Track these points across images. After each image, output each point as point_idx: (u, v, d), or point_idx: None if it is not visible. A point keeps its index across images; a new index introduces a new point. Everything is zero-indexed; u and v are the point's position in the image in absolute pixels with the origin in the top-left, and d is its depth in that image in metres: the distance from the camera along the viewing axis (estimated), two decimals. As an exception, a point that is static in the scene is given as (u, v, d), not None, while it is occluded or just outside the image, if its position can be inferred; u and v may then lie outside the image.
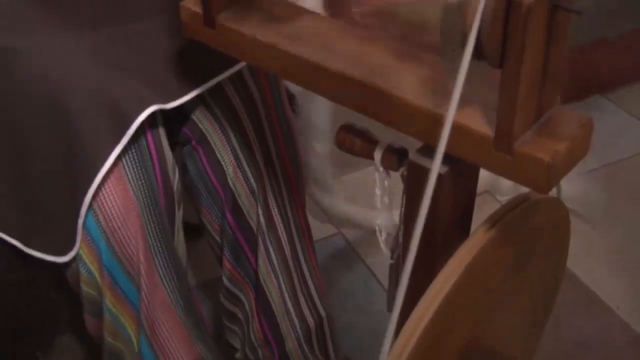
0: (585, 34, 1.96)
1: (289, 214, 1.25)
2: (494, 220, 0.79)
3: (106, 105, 0.98)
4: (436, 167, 0.71)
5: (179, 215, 1.12)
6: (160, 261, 1.08)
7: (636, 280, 1.73)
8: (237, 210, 1.19)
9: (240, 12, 0.93)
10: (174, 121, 1.13)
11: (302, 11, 0.93)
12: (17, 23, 1.03)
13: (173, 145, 1.14)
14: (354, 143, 0.91)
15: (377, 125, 0.85)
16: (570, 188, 1.73)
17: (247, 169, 1.18)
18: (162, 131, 1.06)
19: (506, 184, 1.80)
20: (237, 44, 0.92)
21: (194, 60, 1.03)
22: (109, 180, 1.01)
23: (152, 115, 1.01)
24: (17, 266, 1.12)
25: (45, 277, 1.19)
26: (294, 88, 1.58)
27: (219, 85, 1.11)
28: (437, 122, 0.75)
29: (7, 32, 1.02)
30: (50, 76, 0.99)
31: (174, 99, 1.03)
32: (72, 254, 1.05)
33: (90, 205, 1.01)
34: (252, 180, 1.19)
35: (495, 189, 1.84)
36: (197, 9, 0.93)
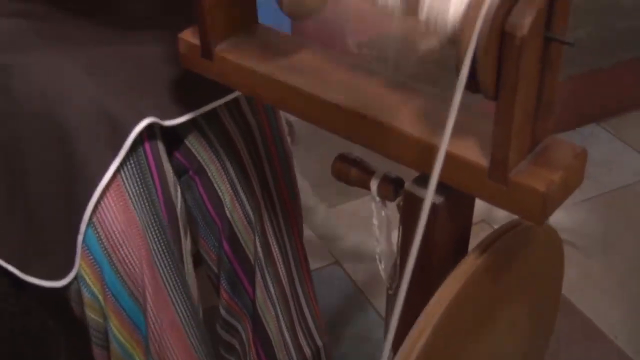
0: (580, 63, 1.98)
1: (287, 243, 1.26)
2: (484, 247, 0.80)
3: (103, 119, 0.99)
4: (429, 196, 0.71)
5: (186, 243, 1.12)
6: (168, 278, 1.07)
7: (634, 309, 1.74)
8: (234, 240, 1.20)
9: (238, 44, 0.94)
10: (170, 151, 1.14)
11: (299, 43, 0.94)
12: (16, 41, 1.04)
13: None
14: (350, 173, 0.92)
15: (371, 152, 0.85)
16: (566, 217, 1.74)
17: (244, 198, 1.19)
18: (161, 146, 1.06)
19: (502, 213, 1.79)
20: (234, 75, 0.93)
21: (190, 84, 1.03)
22: (108, 194, 1.01)
23: (150, 128, 1.02)
24: (12, 294, 1.12)
25: (43, 305, 1.19)
26: (292, 116, 1.58)
27: (214, 111, 1.11)
28: (432, 152, 0.75)
29: (5, 51, 1.03)
30: (47, 92, 0.99)
31: (170, 118, 1.04)
32: (71, 275, 1.04)
33: (90, 220, 1.01)
34: (249, 209, 1.19)
35: (491, 218, 1.85)
36: (195, 40, 0.94)
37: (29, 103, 1.00)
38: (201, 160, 1.16)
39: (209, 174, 1.17)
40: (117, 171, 1.01)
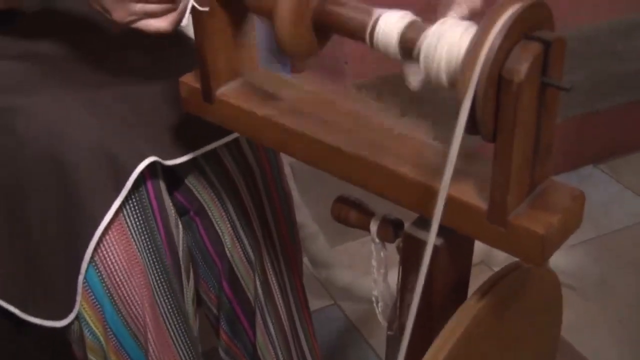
0: (576, 106, 2.01)
1: (287, 284, 1.26)
2: (485, 290, 0.80)
3: (105, 158, 1.00)
4: (431, 240, 0.72)
5: (189, 284, 1.12)
6: (170, 318, 1.08)
7: (633, 351, 1.74)
8: (234, 280, 1.20)
9: (238, 87, 0.96)
10: (172, 191, 1.15)
11: (298, 86, 0.95)
12: (21, 83, 1.05)
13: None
14: (349, 215, 0.93)
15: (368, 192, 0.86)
16: (564, 259, 1.75)
17: (244, 238, 1.20)
18: (162, 185, 1.07)
19: (502, 254, 1.80)
20: (235, 118, 0.94)
21: (190, 125, 1.05)
22: (110, 232, 1.02)
23: (152, 167, 1.03)
24: (12, 333, 1.12)
25: (44, 346, 1.19)
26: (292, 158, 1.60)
27: (214, 151, 1.13)
28: (431, 194, 0.76)
29: (9, 93, 1.04)
30: (50, 132, 1.01)
31: (171, 157, 1.05)
32: (72, 315, 1.05)
33: (92, 258, 1.02)
34: (249, 250, 1.20)
35: (490, 260, 1.86)
36: (196, 84, 0.96)
37: (32, 143, 1.01)
38: (202, 201, 1.17)
39: (210, 214, 1.18)
40: (120, 209, 1.02)
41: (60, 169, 1.00)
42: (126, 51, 1.12)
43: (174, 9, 0.92)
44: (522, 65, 0.67)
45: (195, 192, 1.17)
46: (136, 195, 1.03)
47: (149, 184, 1.04)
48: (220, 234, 1.19)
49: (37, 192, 1.03)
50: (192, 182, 1.16)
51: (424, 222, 0.83)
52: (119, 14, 0.91)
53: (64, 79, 1.07)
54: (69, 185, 1.00)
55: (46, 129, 1.00)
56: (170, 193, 1.12)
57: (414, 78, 0.80)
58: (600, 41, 2.18)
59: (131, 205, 1.03)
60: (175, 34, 0.97)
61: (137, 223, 1.03)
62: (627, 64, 2.12)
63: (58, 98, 1.03)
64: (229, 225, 1.19)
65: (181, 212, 1.17)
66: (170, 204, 1.09)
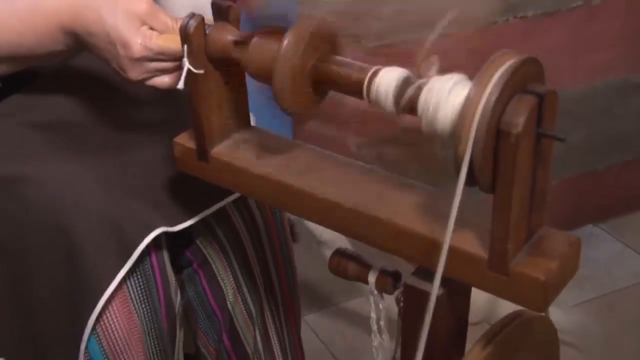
0: (575, 166, 2.05)
1: (286, 339, 1.28)
2: (488, 338, 0.83)
3: (112, 228, 1.03)
4: (435, 291, 0.74)
5: (179, 336, 1.13)
6: None
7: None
8: (234, 334, 1.22)
9: (233, 146, 0.99)
10: (177, 245, 1.16)
11: (293, 143, 0.98)
12: (28, 151, 1.08)
13: (176, 268, 1.16)
14: (347, 267, 0.95)
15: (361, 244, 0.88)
16: (566, 319, 1.77)
17: (246, 291, 1.22)
18: (166, 254, 1.09)
19: (503, 312, 1.82)
20: (231, 176, 0.97)
21: (197, 185, 1.07)
22: (113, 303, 1.05)
23: (157, 238, 1.06)
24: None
25: None
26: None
27: (223, 209, 1.15)
28: (431, 245, 0.80)
29: (17, 161, 1.07)
30: (57, 201, 1.04)
31: (178, 223, 1.07)
32: None
33: (94, 328, 1.04)
34: (250, 303, 1.22)
35: (492, 319, 1.86)
36: (191, 144, 0.98)
37: (39, 212, 1.03)
38: (206, 254, 1.19)
39: (213, 267, 1.20)
40: (123, 280, 1.05)
41: (66, 238, 1.02)
42: (136, 109, 1.16)
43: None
44: (519, 118, 0.71)
45: (201, 247, 1.19)
46: (140, 266, 1.05)
47: (153, 255, 1.07)
48: (223, 286, 1.20)
49: (41, 260, 1.05)
50: (199, 238, 1.18)
51: (423, 273, 0.86)
52: (134, 73, 0.95)
53: (72, 146, 1.09)
54: (74, 254, 1.02)
55: (54, 198, 1.03)
56: (177, 247, 1.13)
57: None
58: (596, 101, 2.25)
59: (135, 276, 1.06)
60: None
61: (140, 293, 1.05)
62: (623, 124, 2.20)
63: (66, 167, 1.06)
64: (232, 279, 1.21)
65: (185, 264, 1.18)
66: (172, 272, 1.11)
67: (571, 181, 2.04)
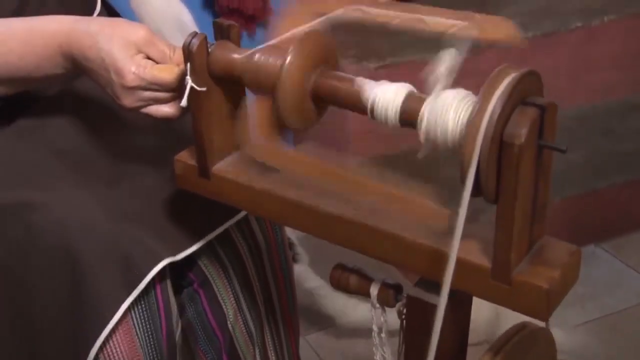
0: (576, 185, 2.06)
1: (285, 358, 1.28)
2: (497, 348, 0.84)
3: (118, 257, 1.04)
4: (442, 304, 0.75)
5: None
6: None
7: None
8: (234, 354, 1.22)
9: (234, 162, 1.01)
10: (179, 265, 1.17)
11: (293, 156, 0.98)
12: (36, 177, 1.09)
13: (177, 288, 1.17)
14: (349, 281, 0.96)
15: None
16: (568, 339, 1.77)
17: (247, 312, 1.22)
18: (169, 284, 1.11)
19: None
20: (232, 192, 0.98)
21: (199, 209, 1.08)
22: (117, 332, 1.06)
23: (162, 268, 1.06)
24: None
25: None
26: (294, 234, 1.68)
27: (226, 231, 1.15)
28: (434, 256, 0.80)
29: (25, 187, 1.08)
30: (64, 228, 1.04)
31: (183, 249, 1.09)
32: None
33: (97, 357, 1.04)
34: (250, 322, 1.23)
35: (492, 340, 1.86)
36: (192, 161, 0.99)
37: (45, 239, 1.05)
38: (207, 274, 1.20)
39: (214, 287, 1.21)
40: (128, 310, 1.06)
41: (72, 263, 1.04)
42: (136, 134, 1.18)
43: (179, 96, 0.96)
44: (521, 130, 0.74)
45: (203, 267, 1.20)
46: (145, 296, 1.07)
47: (158, 285, 1.09)
48: (224, 306, 1.21)
49: (46, 287, 1.07)
50: (201, 258, 1.19)
51: (426, 284, 0.87)
52: (128, 101, 0.97)
53: (79, 172, 1.11)
54: (80, 282, 1.04)
55: (60, 225, 1.04)
56: (178, 266, 1.14)
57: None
58: (597, 121, 2.28)
59: (139, 305, 1.07)
60: None
61: (143, 323, 1.07)
62: (624, 144, 2.22)
63: (73, 192, 1.07)
64: (232, 299, 1.21)
65: (185, 284, 1.19)
66: (174, 300, 1.12)
67: (572, 200, 2.06)
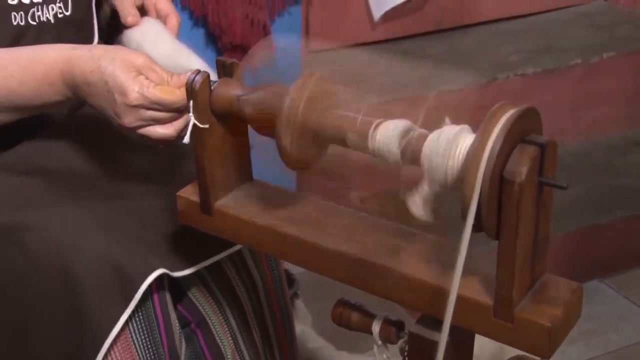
0: (578, 221, 2.07)
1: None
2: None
3: (113, 270, 1.05)
4: (443, 340, 0.75)
5: None
6: None
7: None
8: None
9: (236, 198, 1.01)
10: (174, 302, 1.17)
11: (296, 195, 0.99)
12: (30, 199, 1.10)
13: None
14: (350, 317, 0.96)
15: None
16: None
17: (244, 350, 1.22)
18: (168, 296, 1.10)
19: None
20: (234, 228, 0.99)
21: (194, 237, 1.08)
22: (116, 347, 1.06)
23: (159, 279, 1.07)
24: None
25: None
26: (295, 269, 1.66)
27: (218, 264, 1.16)
28: (435, 293, 0.80)
29: (20, 209, 1.09)
30: (58, 246, 1.05)
31: (177, 267, 1.09)
32: None
33: None
34: None
35: None
36: (195, 198, 0.99)
37: (41, 258, 1.06)
38: (203, 312, 1.20)
39: (211, 326, 1.20)
40: (126, 324, 1.06)
41: (67, 282, 1.04)
42: (137, 157, 1.18)
43: (179, 117, 0.98)
44: (522, 168, 0.74)
45: (197, 304, 1.19)
46: (143, 309, 1.06)
47: (156, 297, 1.08)
48: (221, 346, 1.21)
49: (44, 307, 1.07)
50: (194, 294, 1.19)
51: (427, 321, 0.87)
52: (129, 119, 0.98)
53: (72, 193, 1.11)
54: (76, 298, 1.04)
55: (55, 244, 1.05)
56: (173, 304, 1.14)
57: (417, 208, 0.84)
58: (597, 156, 2.29)
59: (137, 319, 1.06)
60: None
61: (142, 337, 1.06)
62: (625, 179, 2.23)
63: (66, 212, 1.07)
64: (229, 337, 1.21)
65: (182, 324, 1.19)
66: (175, 317, 1.11)
67: (574, 236, 2.06)
